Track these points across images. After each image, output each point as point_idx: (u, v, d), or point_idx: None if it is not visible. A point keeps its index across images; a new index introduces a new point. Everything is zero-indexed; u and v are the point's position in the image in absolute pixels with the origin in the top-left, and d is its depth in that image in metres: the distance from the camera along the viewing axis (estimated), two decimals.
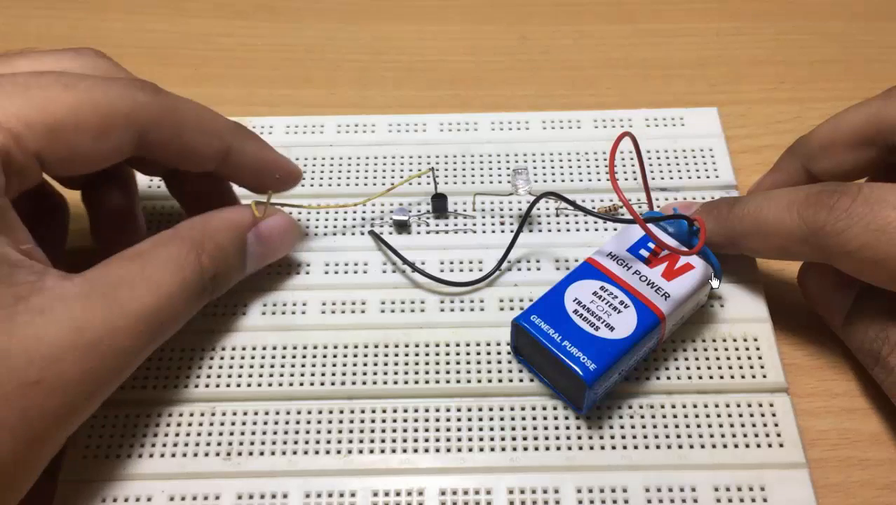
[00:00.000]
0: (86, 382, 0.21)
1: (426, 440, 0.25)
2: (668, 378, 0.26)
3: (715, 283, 0.26)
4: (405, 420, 0.25)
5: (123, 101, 0.22)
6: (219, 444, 0.25)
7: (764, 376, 0.26)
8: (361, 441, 0.25)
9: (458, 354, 0.27)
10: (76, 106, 0.21)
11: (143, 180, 0.31)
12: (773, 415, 0.25)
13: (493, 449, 0.25)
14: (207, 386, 0.26)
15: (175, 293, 0.23)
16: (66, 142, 0.21)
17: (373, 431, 0.25)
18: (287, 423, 0.25)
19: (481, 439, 0.25)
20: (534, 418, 0.25)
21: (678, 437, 0.25)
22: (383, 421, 0.25)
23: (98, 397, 0.21)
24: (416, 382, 0.26)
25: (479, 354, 0.27)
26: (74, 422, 0.21)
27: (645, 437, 0.25)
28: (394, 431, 0.25)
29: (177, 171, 0.27)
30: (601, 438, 0.25)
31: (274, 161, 0.27)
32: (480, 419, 0.25)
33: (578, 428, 0.25)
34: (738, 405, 0.25)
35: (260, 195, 0.27)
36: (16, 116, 0.21)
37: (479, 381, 0.26)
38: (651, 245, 0.26)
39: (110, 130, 0.22)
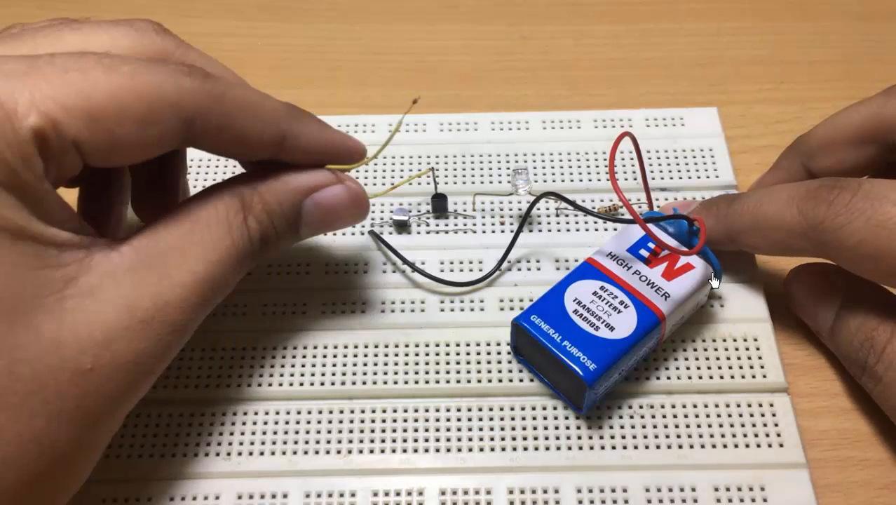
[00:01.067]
0: (140, 362, 0.20)
1: (426, 440, 0.25)
2: (668, 378, 0.26)
3: (715, 283, 0.26)
4: (405, 420, 0.25)
5: (169, 87, 0.21)
6: (219, 444, 0.25)
7: (764, 376, 0.26)
8: (361, 441, 0.25)
9: (458, 354, 0.27)
10: (118, 92, 0.20)
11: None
12: (773, 415, 0.25)
13: (493, 449, 0.25)
14: (207, 386, 0.26)
15: (224, 260, 0.22)
16: (107, 130, 0.20)
17: (373, 431, 0.25)
18: (287, 423, 0.25)
19: (481, 439, 0.25)
20: (534, 418, 0.25)
21: (678, 437, 0.25)
22: (383, 421, 0.25)
23: (154, 374, 0.21)
24: (416, 382, 0.26)
25: (479, 354, 0.27)
26: (131, 401, 0.21)
27: (645, 437, 0.25)
28: (394, 431, 0.25)
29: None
30: (601, 438, 0.25)
31: (332, 141, 0.25)
32: (480, 419, 0.25)
33: (578, 428, 0.25)
34: (738, 405, 0.25)
35: None
36: (53, 100, 0.19)
37: (479, 381, 0.26)
38: (651, 245, 0.26)
39: (154, 119, 0.21)
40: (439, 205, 0.30)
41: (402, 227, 0.30)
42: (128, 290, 0.20)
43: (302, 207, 0.24)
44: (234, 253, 0.22)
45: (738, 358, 0.26)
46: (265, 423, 0.25)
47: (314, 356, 0.27)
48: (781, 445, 0.24)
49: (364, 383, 0.26)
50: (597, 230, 0.30)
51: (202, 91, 0.22)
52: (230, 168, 0.32)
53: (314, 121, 0.25)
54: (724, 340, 0.27)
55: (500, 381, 0.26)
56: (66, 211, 0.20)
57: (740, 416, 0.25)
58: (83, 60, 0.20)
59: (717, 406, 0.25)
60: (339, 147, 0.25)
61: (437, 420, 0.25)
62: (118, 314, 0.20)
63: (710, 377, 0.26)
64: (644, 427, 0.25)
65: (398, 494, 0.24)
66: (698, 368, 0.26)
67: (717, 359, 0.26)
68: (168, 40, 0.23)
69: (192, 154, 0.32)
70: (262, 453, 0.25)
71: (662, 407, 0.25)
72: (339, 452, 0.25)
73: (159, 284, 0.21)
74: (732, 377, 0.26)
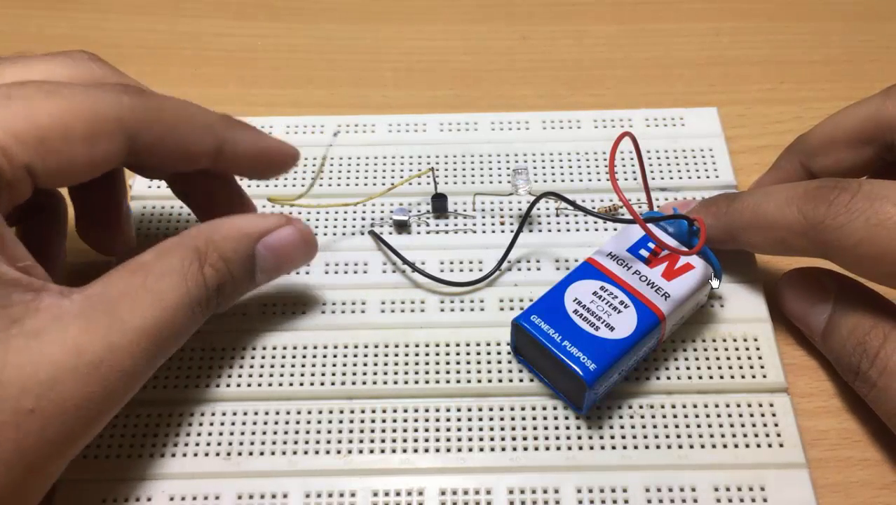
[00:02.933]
0: (85, 407, 0.20)
1: (426, 440, 0.25)
2: (668, 378, 0.26)
3: (715, 283, 0.26)
4: (405, 420, 0.25)
5: (109, 105, 0.22)
6: (219, 444, 0.25)
7: (764, 376, 0.26)
8: (361, 441, 0.25)
9: (458, 354, 0.27)
10: (61, 113, 0.21)
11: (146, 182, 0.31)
12: (773, 415, 0.25)
13: (493, 449, 0.25)
14: (207, 386, 0.26)
15: (178, 306, 0.22)
16: (56, 152, 0.20)
17: (373, 431, 0.25)
18: (287, 423, 0.25)
19: (481, 439, 0.25)
20: (534, 418, 0.25)
21: (678, 437, 0.25)
22: (383, 421, 0.25)
23: (98, 423, 0.21)
24: (416, 382, 0.26)
25: (479, 354, 0.27)
26: (73, 450, 0.20)
27: (645, 437, 0.25)
28: (394, 431, 0.25)
29: (177, 174, 0.27)
30: (601, 438, 0.25)
31: (268, 147, 0.26)
32: (480, 419, 0.25)
33: (578, 428, 0.25)
34: (738, 405, 0.25)
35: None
36: (2, 129, 0.20)
37: (479, 381, 0.26)
38: (651, 245, 0.26)
39: (99, 136, 0.21)
40: (439, 205, 0.30)
41: (402, 227, 0.30)
42: (76, 333, 0.20)
43: (255, 253, 0.24)
44: (187, 300, 0.22)
45: (738, 358, 0.26)
46: (265, 423, 0.25)
47: (314, 356, 0.27)
48: (781, 445, 0.25)
49: (364, 383, 0.26)
50: (597, 230, 0.30)
51: (141, 105, 0.23)
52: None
53: (249, 128, 0.26)
54: (724, 340, 0.27)
55: (500, 381, 0.26)
56: (17, 248, 0.20)
57: (740, 416, 0.25)
58: (25, 88, 0.21)
59: (717, 406, 0.25)
60: (276, 152, 0.26)
61: (437, 420, 0.25)
62: (65, 356, 0.19)
63: (710, 377, 0.26)
64: (644, 427, 0.25)
65: (398, 494, 0.24)
66: (698, 368, 0.26)
67: (717, 359, 0.26)
68: (104, 67, 0.24)
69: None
70: (262, 453, 0.25)
71: (662, 407, 0.25)
72: (339, 452, 0.25)
73: (109, 329, 0.20)
74: (732, 377, 0.26)
